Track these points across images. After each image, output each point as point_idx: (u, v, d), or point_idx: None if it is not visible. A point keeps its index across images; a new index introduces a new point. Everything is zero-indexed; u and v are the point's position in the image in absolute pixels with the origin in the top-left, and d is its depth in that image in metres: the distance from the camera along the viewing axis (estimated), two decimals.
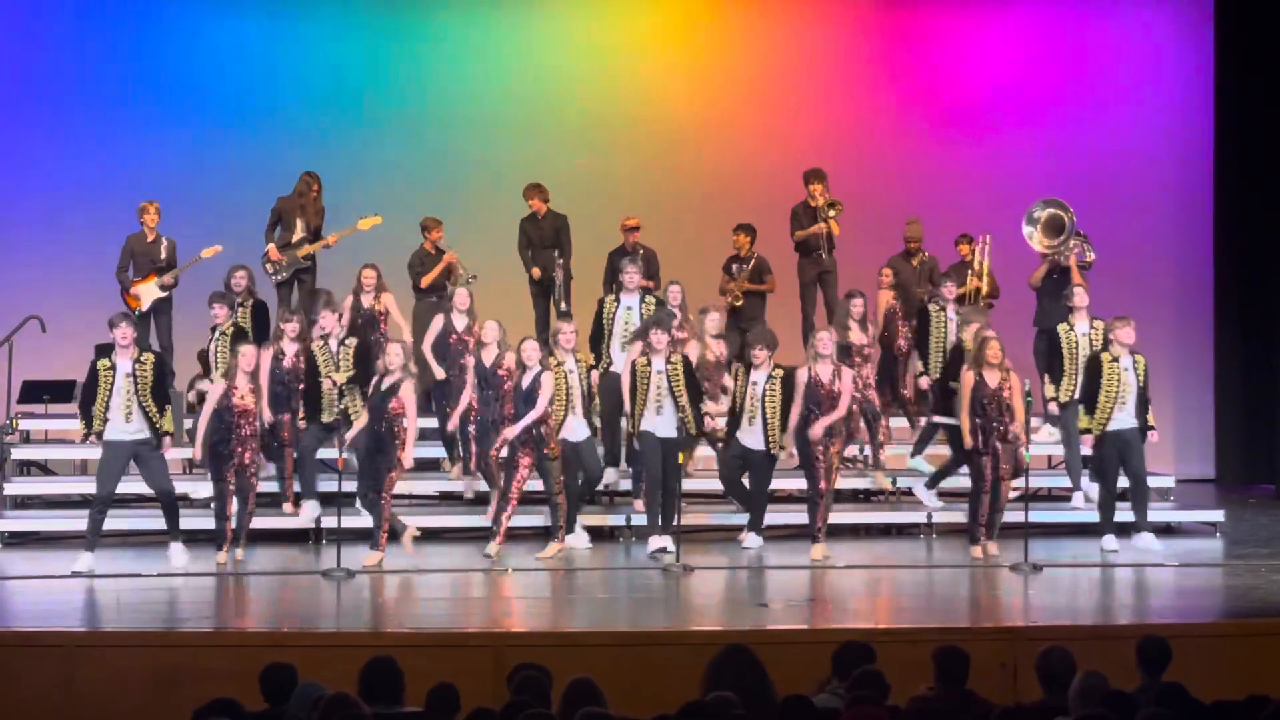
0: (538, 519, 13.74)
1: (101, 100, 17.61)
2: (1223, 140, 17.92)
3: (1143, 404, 13.52)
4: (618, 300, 14.53)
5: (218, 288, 14.65)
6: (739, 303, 15.80)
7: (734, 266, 15.95)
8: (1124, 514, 13.75)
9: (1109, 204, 16.82)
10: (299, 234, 15.62)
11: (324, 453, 13.82)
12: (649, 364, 13.38)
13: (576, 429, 13.56)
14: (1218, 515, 14.70)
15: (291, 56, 17.86)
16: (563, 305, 15.48)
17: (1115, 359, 13.51)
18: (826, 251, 16.03)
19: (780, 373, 13.46)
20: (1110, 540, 13.51)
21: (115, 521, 13.26)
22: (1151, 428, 13.59)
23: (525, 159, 17.38)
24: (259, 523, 13.35)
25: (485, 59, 18.13)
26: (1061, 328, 14.25)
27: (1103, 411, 13.46)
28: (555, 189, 16.01)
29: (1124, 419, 13.48)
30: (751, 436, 13.49)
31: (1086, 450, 14.05)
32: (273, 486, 13.91)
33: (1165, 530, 14.19)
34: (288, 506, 13.95)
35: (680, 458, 13.20)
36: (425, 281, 15.47)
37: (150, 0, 17.81)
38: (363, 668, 7.46)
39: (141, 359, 12.76)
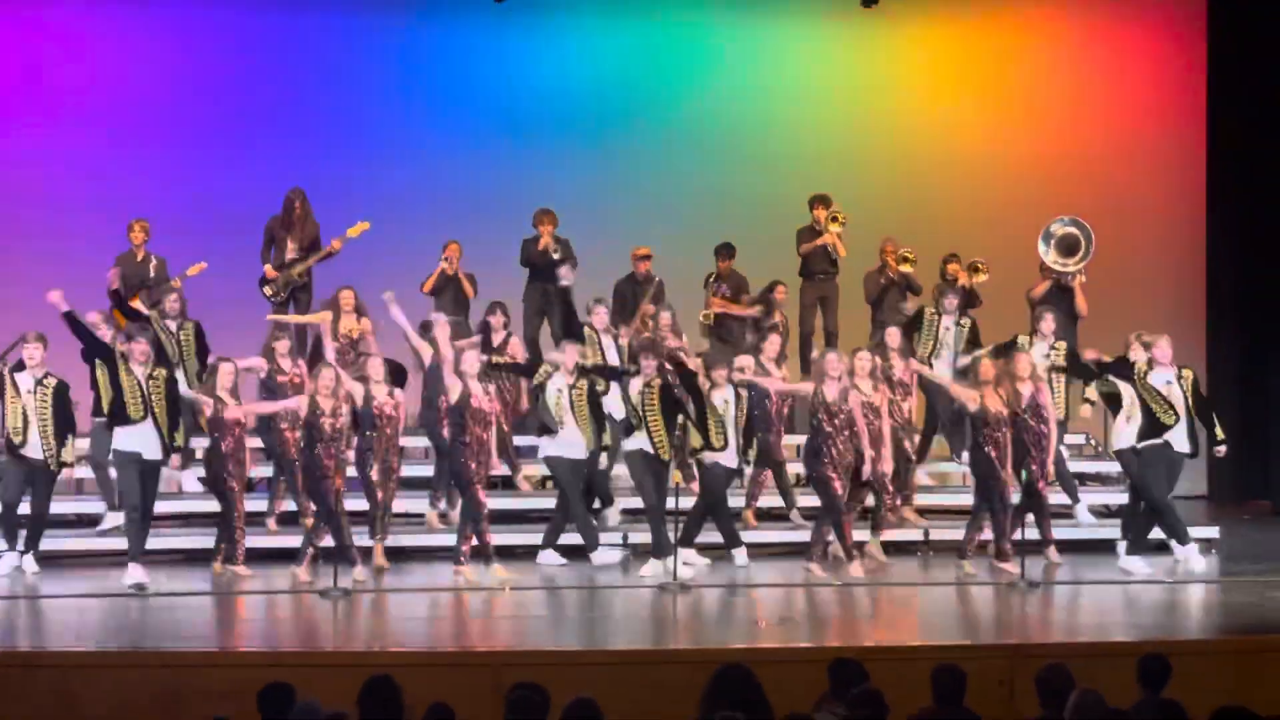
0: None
1: (100, 112, 17.50)
2: (1216, 141, 17.89)
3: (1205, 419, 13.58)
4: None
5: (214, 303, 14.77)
6: (709, 321, 16.06)
7: (713, 284, 16.03)
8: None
9: (1102, 211, 16.71)
10: (291, 253, 15.66)
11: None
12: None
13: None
14: (1212, 532, 14.68)
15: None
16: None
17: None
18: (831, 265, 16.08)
19: (658, 382, 13.42)
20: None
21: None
22: (1222, 441, 13.72)
23: None
24: (254, 541, 13.41)
25: None
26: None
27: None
28: None
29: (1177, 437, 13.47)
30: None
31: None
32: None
33: (1161, 547, 14.15)
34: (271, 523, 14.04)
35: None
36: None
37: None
38: (361, 687, 7.47)
39: (44, 381, 12.92)
